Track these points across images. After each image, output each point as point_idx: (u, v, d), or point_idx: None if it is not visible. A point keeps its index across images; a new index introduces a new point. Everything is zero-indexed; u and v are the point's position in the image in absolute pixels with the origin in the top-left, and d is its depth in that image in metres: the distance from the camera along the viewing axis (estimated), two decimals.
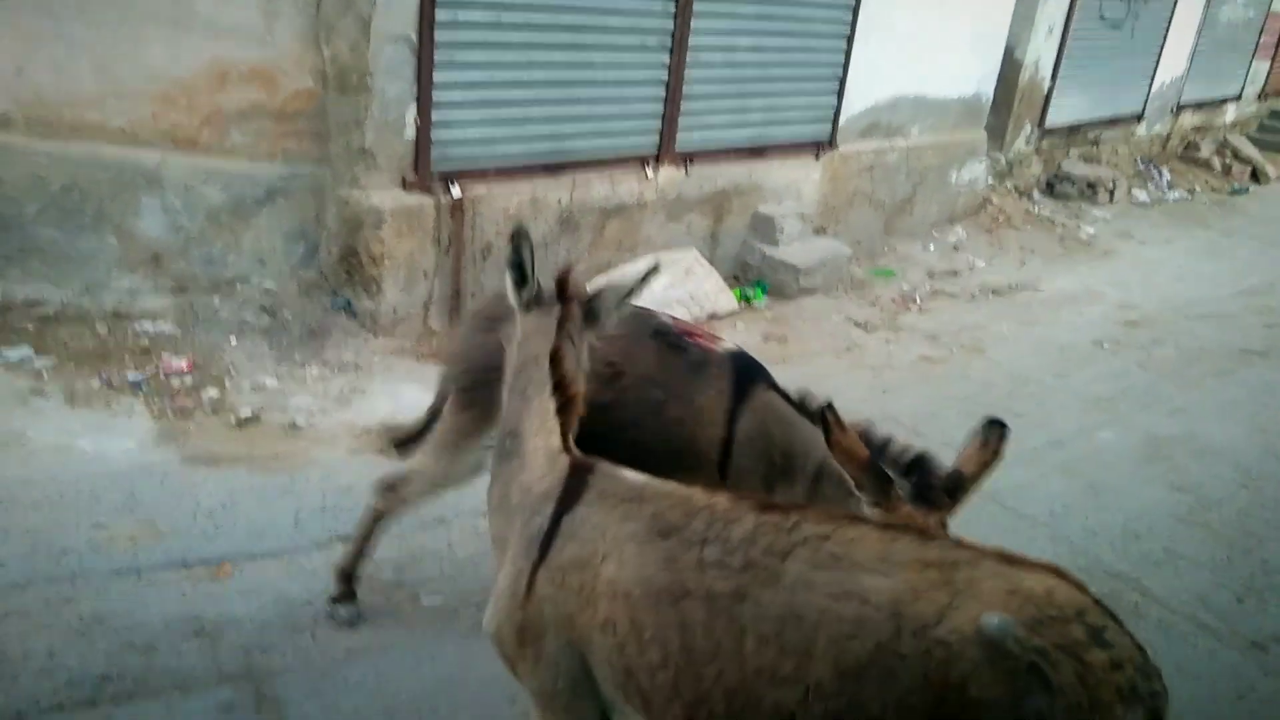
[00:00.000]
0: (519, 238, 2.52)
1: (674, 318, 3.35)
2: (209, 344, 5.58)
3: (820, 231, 8.41)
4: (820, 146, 8.33)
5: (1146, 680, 1.87)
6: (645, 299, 7.21)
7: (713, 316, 7.12)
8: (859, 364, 6.80)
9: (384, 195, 5.91)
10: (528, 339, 2.50)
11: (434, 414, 3.56)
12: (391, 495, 3.52)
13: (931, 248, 9.37)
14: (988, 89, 9.93)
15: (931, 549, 1.95)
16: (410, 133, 5.91)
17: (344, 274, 6.09)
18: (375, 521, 3.58)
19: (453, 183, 6.11)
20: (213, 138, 5.85)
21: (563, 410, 2.39)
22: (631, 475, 2.26)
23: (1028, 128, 11.21)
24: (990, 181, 10.63)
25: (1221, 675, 4.02)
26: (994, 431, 2.68)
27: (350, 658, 3.52)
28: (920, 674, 1.82)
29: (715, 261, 7.61)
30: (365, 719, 3.28)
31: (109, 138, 5.72)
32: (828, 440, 2.49)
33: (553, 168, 6.66)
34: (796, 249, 7.84)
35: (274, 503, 4.38)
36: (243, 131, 5.88)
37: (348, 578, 3.68)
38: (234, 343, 5.63)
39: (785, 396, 3.17)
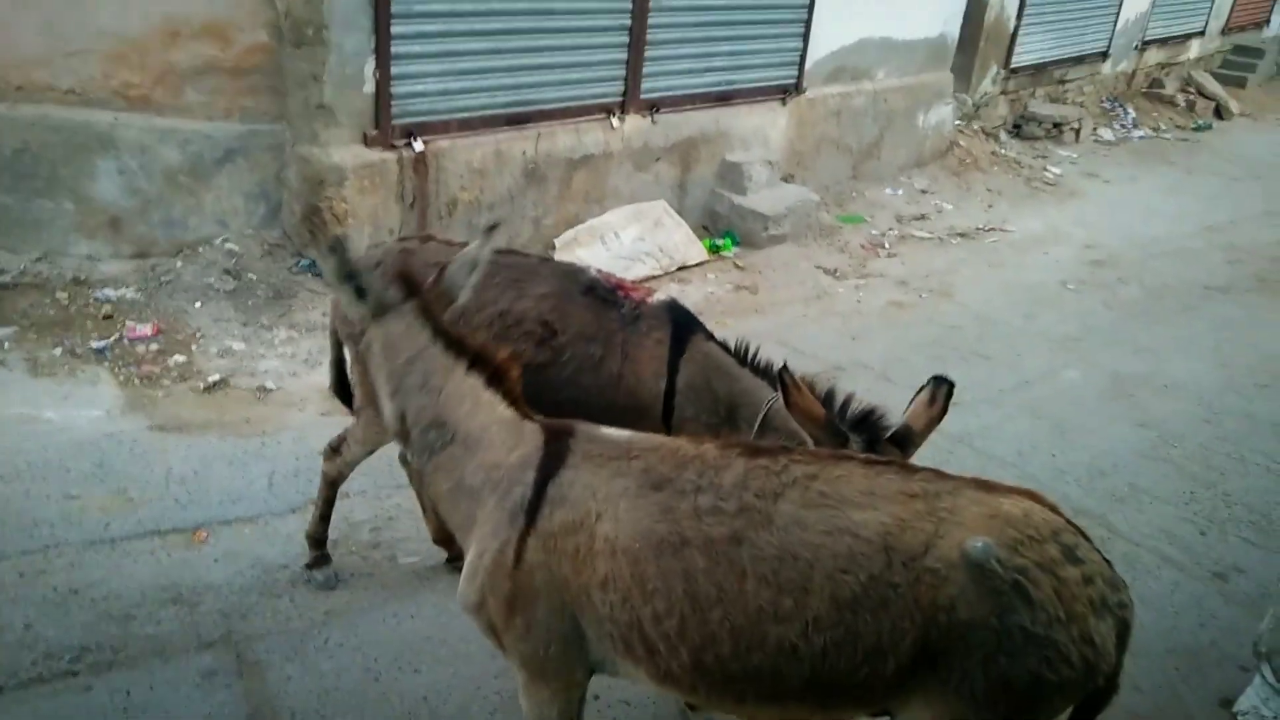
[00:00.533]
0: (337, 248, 2.38)
1: (601, 271, 3.35)
2: (173, 309, 5.50)
3: (788, 178, 8.38)
4: (786, 91, 8.26)
5: (1115, 592, 2.06)
6: (615, 250, 7.12)
7: (682, 268, 7.10)
8: (829, 311, 6.82)
9: (345, 152, 5.81)
10: (395, 342, 2.38)
11: (338, 366, 3.64)
12: (337, 459, 3.55)
13: (900, 192, 9.37)
14: (953, 29, 9.86)
15: (914, 481, 2.07)
16: (370, 86, 5.80)
17: (308, 233, 6.00)
18: (331, 487, 3.61)
19: (415, 137, 6.02)
20: (167, 97, 5.71)
21: (495, 381, 2.34)
22: (614, 433, 2.27)
23: (994, 68, 11.17)
24: (957, 124, 10.61)
25: (1185, 605, 4.14)
26: (941, 388, 2.78)
27: (330, 619, 3.54)
28: (911, 600, 1.95)
29: (684, 211, 7.57)
30: (347, 680, 3.31)
31: (59, 99, 5.57)
32: (786, 401, 2.58)
33: (516, 119, 6.56)
34: (765, 197, 7.81)
35: (247, 467, 4.36)
36: (197, 89, 5.75)
37: (319, 543, 3.70)
38: (199, 307, 5.55)
39: (723, 347, 3.18)
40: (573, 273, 3.27)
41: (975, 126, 11.09)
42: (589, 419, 2.53)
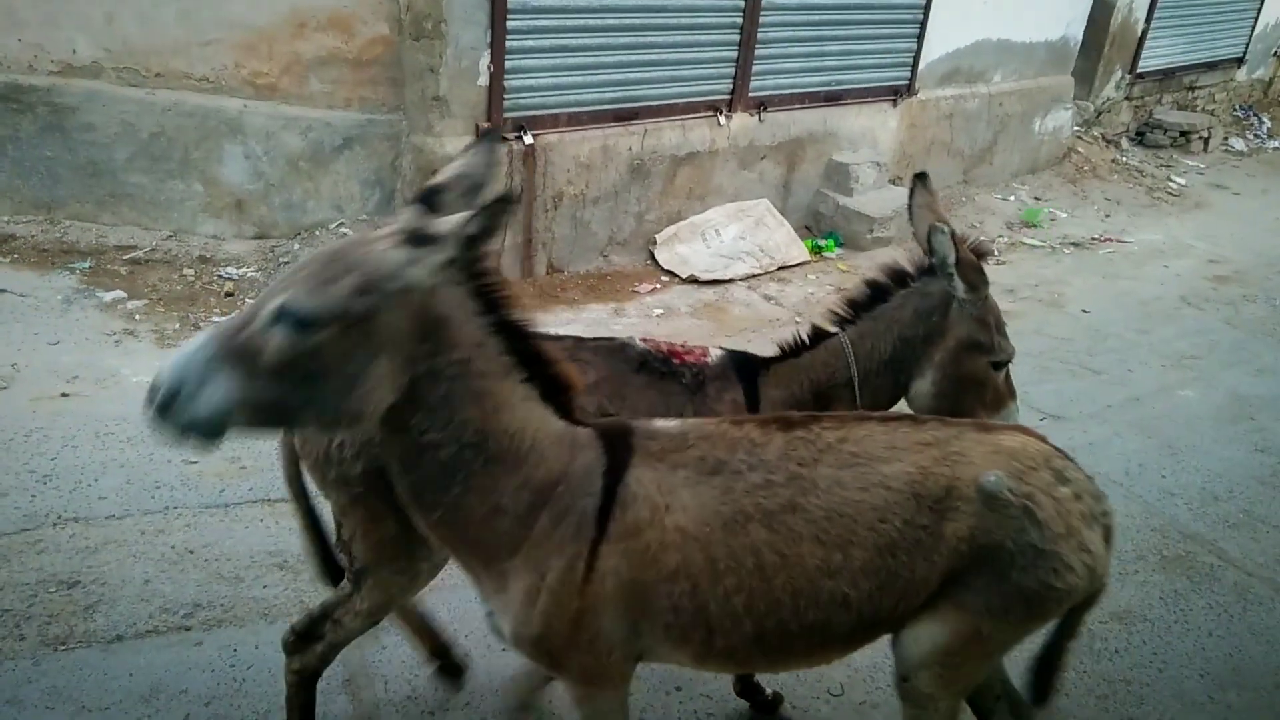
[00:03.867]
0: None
1: (647, 339, 2.86)
2: None
3: (896, 181, 8.24)
4: (898, 93, 8.13)
5: (1098, 503, 2.32)
6: (715, 247, 7.09)
7: (783, 267, 7.07)
8: None
9: (457, 143, 5.96)
10: (436, 330, 1.95)
11: (315, 530, 2.81)
12: (313, 646, 2.72)
13: (1011, 198, 9.12)
14: (1076, 32, 9.54)
15: (925, 430, 2.29)
16: (484, 80, 5.94)
17: None
18: (306, 688, 2.79)
19: (525, 130, 6.14)
20: (292, 85, 5.96)
21: (552, 392, 2.13)
22: (666, 425, 2.29)
23: (1118, 73, 10.76)
24: (1076, 130, 10.26)
25: None
26: (918, 181, 3.18)
27: (424, 594, 3.64)
28: (939, 536, 2.18)
29: (787, 211, 7.53)
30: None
31: (193, 86, 5.87)
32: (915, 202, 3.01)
33: (624, 115, 6.63)
34: (871, 198, 7.70)
35: None
36: (321, 79, 5.98)
37: None
38: None
39: (781, 354, 2.92)
40: (619, 349, 2.80)
41: (1095, 133, 10.71)
42: None
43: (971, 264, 2.82)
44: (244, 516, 3.96)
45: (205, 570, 3.66)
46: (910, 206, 3.11)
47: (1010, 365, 2.94)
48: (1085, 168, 10.03)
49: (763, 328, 6.27)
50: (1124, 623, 3.95)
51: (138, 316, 5.32)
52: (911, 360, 2.87)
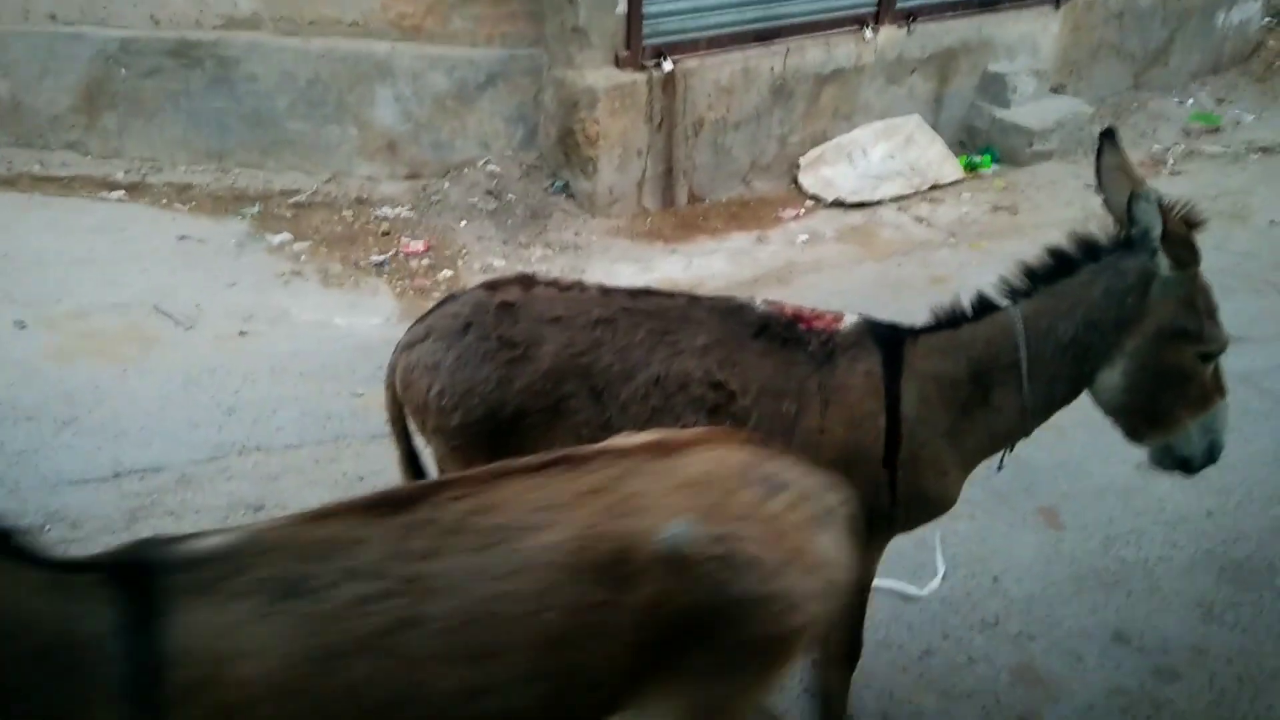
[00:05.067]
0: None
1: (770, 301, 2.59)
2: (441, 227, 5.93)
3: (1059, 89, 7.72)
4: None
5: (828, 494, 1.92)
6: (862, 168, 6.86)
7: (935, 186, 6.78)
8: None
9: (597, 74, 5.95)
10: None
11: (415, 472, 2.75)
12: None
13: (1190, 102, 8.39)
14: None
15: (584, 475, 1.78)
16: (621, 8, 5.88)
17: (562, 155, 6.24)
18: None
19: (664, 57, 6.06)
20: (436, 25, 6.07)
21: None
22: (209, 542, 1.66)
23: None
24: (1266, 21, 9.30)
25: None
26: (1107, 140, 2.61)
27: None
28: (622, 610, 1.72)
29: (939, 127, 7.18)
30: None
31: (344, 31, 6.07)
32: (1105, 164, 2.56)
33: (765, 34, 6.44)
34: (1030, 110, 7.25)
35: None
36: (462, 17, 6.06)
37: None
38: (464, 225, 5.95)
39: (938, 324, 2.54)
40: (736, 310, 2.51)
41: None
42: None
43: (1181, 237, 2.37)
44: None
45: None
46: (1099, 169, 2.65)
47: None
48: (1277, 65, 9.11)
49: (914, 250, 6.07)
50: None
51: (303, 258, 5.61)
52: (1099, 347, 2.43)
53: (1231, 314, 5.25)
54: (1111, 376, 2.46)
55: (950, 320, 2.52)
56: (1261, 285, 5.62)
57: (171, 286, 5.22)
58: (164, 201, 6.05)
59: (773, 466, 1.88)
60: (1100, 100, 7.97)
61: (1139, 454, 4.22)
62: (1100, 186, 2.62)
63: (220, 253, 5.59)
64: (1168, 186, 6.90)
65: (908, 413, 2.42)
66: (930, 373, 2.45)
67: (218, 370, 4.63)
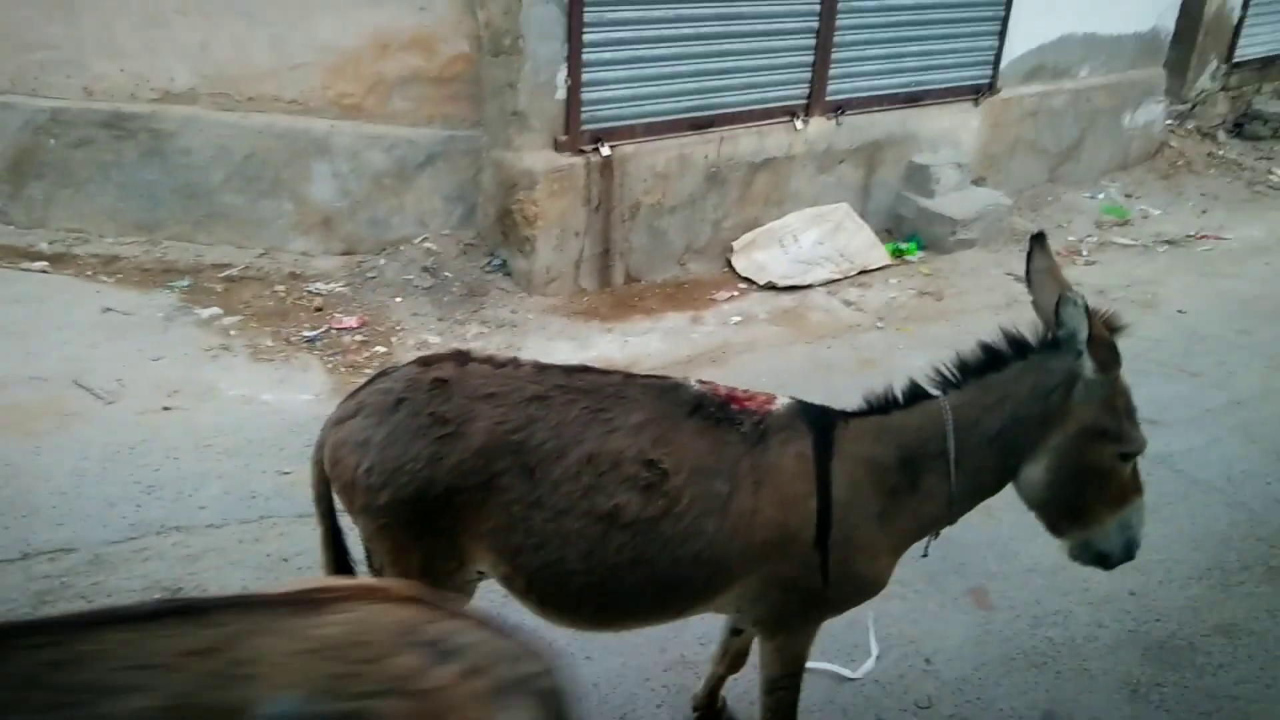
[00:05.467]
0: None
1: (704, 381, 2.60)
2: (376, 303, 5.90)
3: (979, 181, 8.08)
4: (980, 92, 7.96)
5: (523, 663, 1.61)
6: (794, 253, 7.05)
7: (863, 272, 6.98)
8: (1020, 320, 6.50)
9: (536, 156, 6.04)
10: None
11: (337, 551, 2.69)
12: None
13: (1101, 196, 8.84)
14: (1168, 22, 9.21)
15: (198, 630, 1.47)
16: (561, 93, 6.01)
17: (500, 234, 6.29)
18: None
19: (602, 142, 6.19)
20: (376, 105, 6.13)
21: None
22: None
23: (1213, 63, 10.35)
24: (1169, 123, 9.90)
25: None
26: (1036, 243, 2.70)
27: (507, 601, 3.69)
28: None
29: (867, 215, 7.44)
30: None
31: (283, 108, 6.08)
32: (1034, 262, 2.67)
33: (700, 123, 6.64)
34: (953, 200, 7.56)
35: None
36: (403, 97, 6.14)
37: None
38: (399, 301, 5.93)
39: (868, 410, 2.57)
40: (671, 389, 2.51)
41: (1190, 126, 10.32)
42: (714, 573, 2.39)
43: (1105, 341, 2.42)
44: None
45: (299, 578, 3.78)
46: (1029, 270, 2.73)
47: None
48: (1179, 162, 9.67)
49: (843, 333, 6.20)
50: (1228, 636, 3.80)
51: (233, 332, 5.52)
52: (1024, 441, 2.48)
53: (1145, 398, 5.45)
54: (1035, 471, 2.51)
55: (881, 406, 2.56)
56: (1173, 370, 5.86)
57: (93, 360, 5.08)
58: (90, 273, 5.92)
59: (444, 627, 1.56)
60: (1018, 192, 8.35)
61: None
62: (1030, 287, 2.70)
63: (146, 326, 5.47)
64: (1083, 275, 7.24)
65: (839, 495, 2.43)
66: (861, 456, 2.48)
67: (139, 446, 4.49)
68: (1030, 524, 4.35)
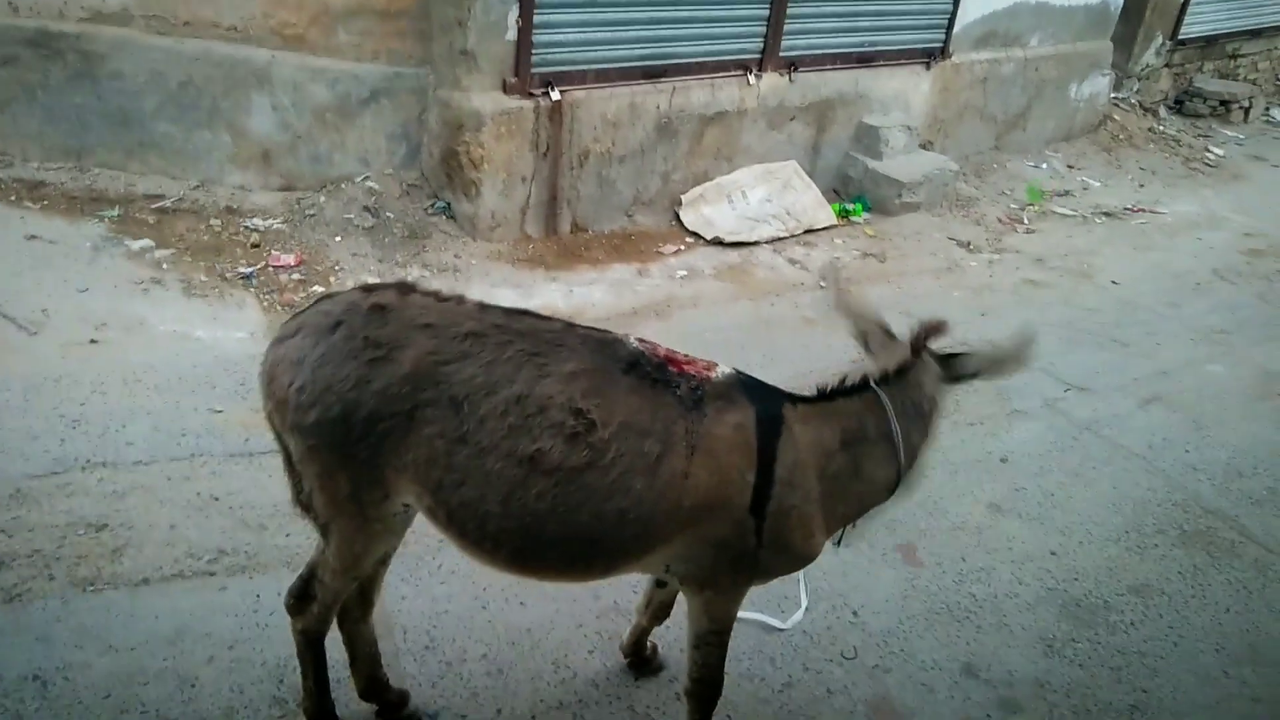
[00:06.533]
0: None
1: (643, 340, 2.57)
2: (315, 241, 5.76)
3: (927, 146, 8.13)
4: (932, 56, 7.98)
5: None
6: (741, 210, 7.05)
7: (809, 231, 7.01)
8: (959, 284, 6.63)
9: (484, 98, 5.92)
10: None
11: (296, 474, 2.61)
12: (310, 606, 2.72)
13: (1044, 166, 8.98)
14: None
15: None
16: (511, 34, 5.88)
17: (444, 176, 6.17)
18: (312, 646, 2.78)
19: (552, 86, 6.08)
20: (320, 36, 5.92)
21: None
22: None
23: (1159, 39, 10.51)
24: (1113, 97, 10.06)
25: None
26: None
27: (444, 546, 3.66)
28: None
29: (816, 174, 7.45)
30: (456, 605, 3.47)
31: (222, 35, 5.85)
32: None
33: (653, 72, 6.56)
34: (901, 163, 7.60)
35: None
36: (348, 30, 5.94)
37: (324, 716, 2.90)
38: (339, 241, 5.80)
39: (814, 397, 2.62)
40: (609, 344, 2.48)
41: (1133, 100, 10.49)
42: (639, 532, 2.38)
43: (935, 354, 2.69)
44: (268, 466, 4.00)
45: (230, 517, 3.72)
46: (837, 305, 2.89)
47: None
48: (1121, 136, 9.85)
49: (787, 292, 6.24)
50: (1141, 596, 3.95)
51: (165, 265, 5.35)
52: (925, 426, 2.68)
53: (1077, 366, 5.61)
54: (927, 449, 2.73)
55: (826, 393, 2.61)
56: (1104, 340, 6.01)
57: (17, 289, 4.89)
58: (13, 199, 5.66)
59: None
60: (964, 158, 8.43)
61: (991, 494, 4.46)
62: (843, 318, 2.84)
63: (73, 256, 5.27)
64: (1023, 243, 7.38)
65: (781, 474, 2.46)
66: (807, 439, 2.52)
67: (63, 379, 4.35)
68: (959, 484, 4.49)
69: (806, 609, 3.63)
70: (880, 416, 2.57)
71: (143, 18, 5.78)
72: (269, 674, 3.11)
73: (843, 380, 2.62)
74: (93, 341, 4.66)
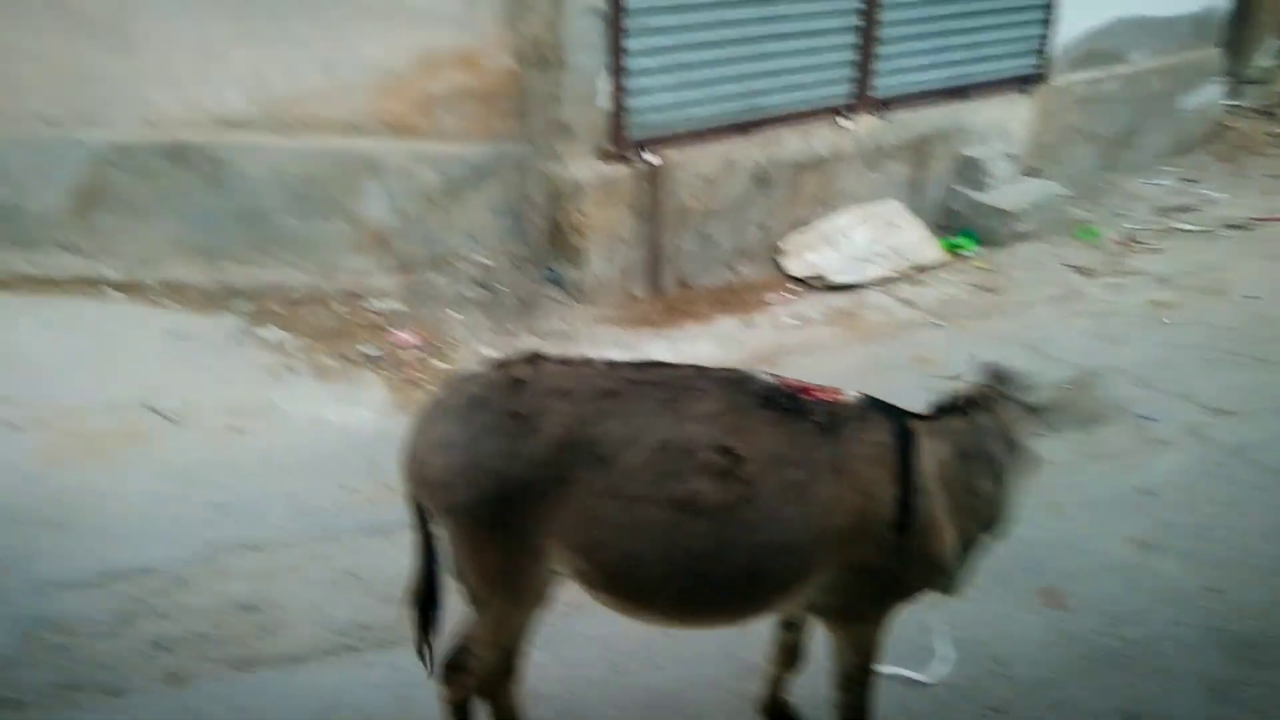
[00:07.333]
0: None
1: (775, 374, 2.66)
2: (432, 318, 5.97)
3: (1032, 172, 7.94)
4: (1028, 81, 7.83)
5: None
6: (847, 252, 6.99)
7: (918, 269, 6.90)
8: (1079, 312, 6.40)
9: (583, 167, 6.07)
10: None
11: (429, 557, 2.76)
12: (463, 678, 2.81)
13: (1159, 182, 8.64)
14: (1221, 1, 8.97)
15: None
16: (605, 103, 6.03)
17: (550, 246, 6.33)
18: (459, 716, 2.88)
19: (647, 149, 6.20)
20: (425, 123, 6.20)
21: None
22: None
23: (1270, 40, 10.06)
24: (1227, 104, 9.64)
25: None
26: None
27: (575, 612, 3.67)
28: None
29: (918, 211, 7.35)
30: (591, 670, 3.48)
31: (335, 130, 6.19)
32: None
33: (745, 126, 6.62)
34: (1006, 192, 7.44)
35: None
36: (451, 114, 6.20)
37: None
38: (455, 316, 6.00)
39: (941, 410, 2.69)
40: (741, 381, 2.56)
41: (1249, 106, 10.03)
42: (795, 562, 2.43)
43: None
44: (399, 540, 4.07)
45: (369, 593, 3.84)
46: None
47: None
48: (1240, 144, 9.41)
49: (900, 332, 6.14)
50: None
51: (295, 352, 5.62)
52: (1012, 463, 2.68)
53: (1218, 388, 5.34)
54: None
55: (943, 410, 2.68)
56: (1244, 359, 5.70)
57: (163, 384, 5.21)
58: (156, 299, 6.07)
59: None
60: (1073, 182, 8.19)
61: (1137, 530, 4.25)
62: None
63: (212, 349, 5.60)
64: (1147, 264, 7.08)
65: (920, 482, 2.50)
66: (935, 452, 2.56)
67: (208, 466, 4.59)
68: (1100, 521, 4.29)
69: (948, 660, 3.50)
70: (980, 438, 2.61)
71: (263, 121, 6.17)
72: None
73: (952, 399, 2.68)
74: (232, 429, 4.92)
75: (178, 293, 6.12)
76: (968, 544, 2.67)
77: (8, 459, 4.57)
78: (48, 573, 3.89)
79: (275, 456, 4.69)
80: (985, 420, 2.63)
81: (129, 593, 3.81)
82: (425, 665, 2.86)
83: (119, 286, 6.17)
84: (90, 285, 6.16)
